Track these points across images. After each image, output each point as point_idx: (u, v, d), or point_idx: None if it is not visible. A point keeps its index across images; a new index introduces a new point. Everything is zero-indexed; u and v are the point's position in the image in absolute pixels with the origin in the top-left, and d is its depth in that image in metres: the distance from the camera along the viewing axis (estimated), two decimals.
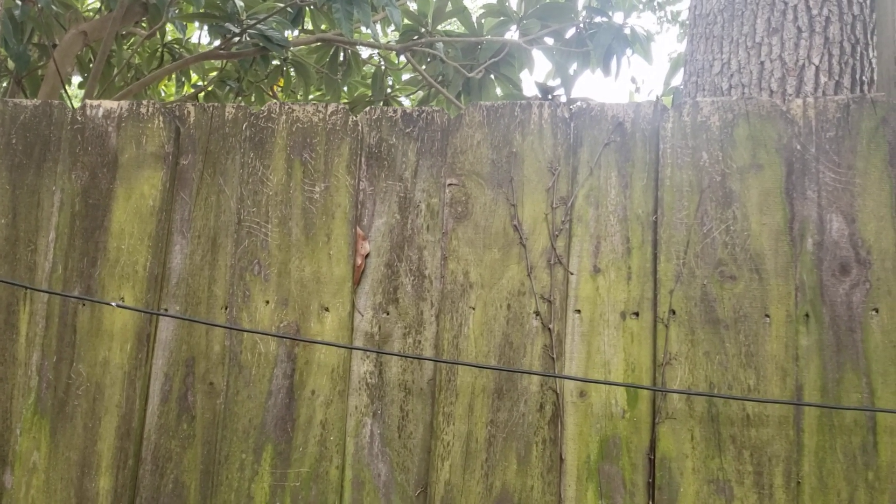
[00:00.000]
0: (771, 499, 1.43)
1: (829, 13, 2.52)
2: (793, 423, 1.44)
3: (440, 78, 4.51)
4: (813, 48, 2.50)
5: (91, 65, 4.49)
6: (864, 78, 2.51)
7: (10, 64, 4.23)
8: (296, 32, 4.66)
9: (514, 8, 4.28)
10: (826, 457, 1.43)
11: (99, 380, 1.64)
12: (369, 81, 4.98)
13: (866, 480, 1.41)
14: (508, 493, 1.51)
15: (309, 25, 4.70)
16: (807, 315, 1.47)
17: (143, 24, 4.60)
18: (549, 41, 4.31)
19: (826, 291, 1.47)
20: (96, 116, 1.74)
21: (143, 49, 4.82)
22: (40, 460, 1.63)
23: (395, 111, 1.67)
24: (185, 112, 1.73)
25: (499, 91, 4.47)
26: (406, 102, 5.27)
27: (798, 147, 1.52)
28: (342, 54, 4.71)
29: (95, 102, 1.75)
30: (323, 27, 4.59)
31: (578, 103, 1.63)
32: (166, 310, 1.66)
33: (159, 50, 4.77)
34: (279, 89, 5.10)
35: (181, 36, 4.58)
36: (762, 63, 2.54)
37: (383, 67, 4.91)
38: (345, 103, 1.64)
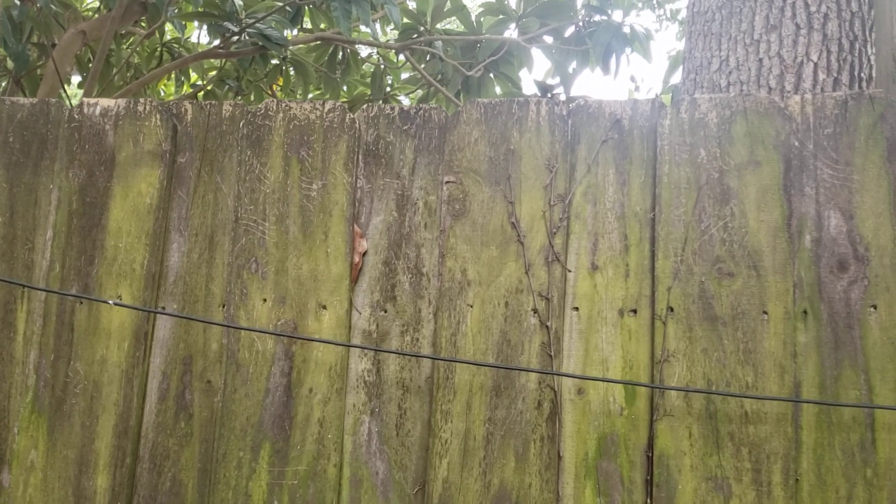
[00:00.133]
0: (769, 496, 1.43)
1: (827, 10, 2.52)
2: (791, 420, 1.44)
3: (439, 76, 4.50)
4: (811, 45, 2.49)
5: (90, 64, 4.49)
6: (862, 75, 2.51)
7: (9, 63, 4.23)
8: (295, 31, 4.66)
9: (513, 6, 4.28)
10: (824, 454, 1.43)
11: (96, 378, 1.64)
12: (368, 80, 4.98)
13: (865, 477, 1.41)
14: (506, 491, 1.50)
15: (308, 24, 4.70)
16: (805, 312, 1.47)
17: (142, 24, 4.60)
18: (549, 39, 4.31)
19: (824, 288, 1.47)
20: (93, 114, 1.73)
21: (142, 48, 4.82)
22: (38, 459, 1.63)
23: (392, 108, 1.67)
24: (183, 110, 1.73)
25: (498, 89, 4.46)
26: (405, 101, 5.26)
27: (796, 144, 1.52)
28: (341, 53, 4.70)
29: (92, 100, 1.74)
30: (322, 26, 4.59)
31: (577, 100, 1.62)
32: (164, 308, 1.66)
33: (158, 49, 4.76)
34: (278, 88, 5.10)
35: (180, 35, 4.58)
36: (760, 60, 2.54)
37: (382, 66, 4.90)
38: (344, 102, 1.63)
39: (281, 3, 3.97)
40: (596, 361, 1.52)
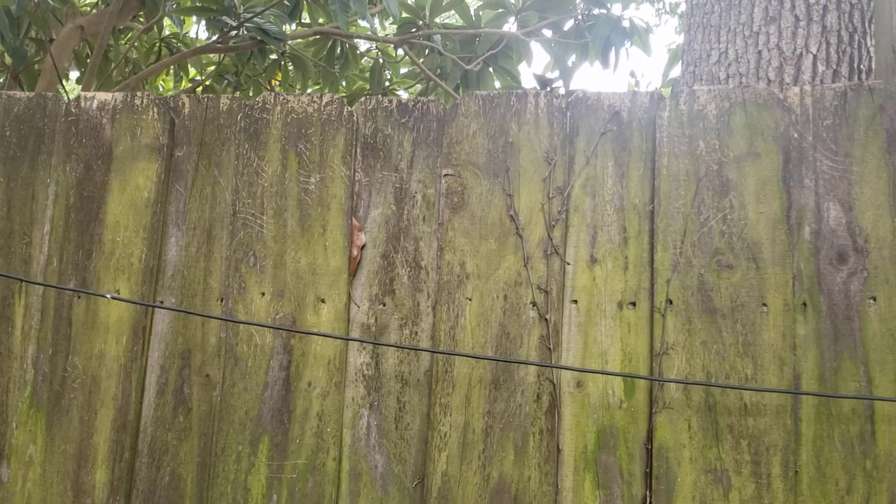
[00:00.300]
0: (769, 488, 1.43)
1: (826, 1, 2.51)
2: (790, 413, 1.44)
3: (438, 71, 4.49)
4: (811, 37, 2.49)
5: (88, 59, 4.48)
6: (861, 66, 2.50)
7: (7, 59, 4.22)
8: (293, 26, 4.64)
9: (512, 0, 4.27)
10: (824, 446, 1.43)
11: (95, 373, 1.63)
12: (367, 75, 4.97)
13: (864, 469, 1.41)
14: (505, 484, 1.50)
15: (306, 19, 4.69)
16: (804, 304, 1.47)
17: (141, 19, 4.59)
18: (548, 33, 4.30)
19: (823, 280, 1.47)
20: (90, 108, 1.73)
21: (140, 43, 4.81)
22: (36, 453, 1.63)
23: (390, 101, 1.66)
24: (180, 104, 1.72)
25: (497, 84, 4.45)
26: (404, 96, 5.25)
27: (795, 135, 1.51)
28: (340, 48, 4.69)
29: (90, 94, 1.74)
30: (320, 20, 4.58)
31: (575, 93, 1.62)
32: (162, 302, 1.65)
33: (157, 44, 4.75)
34: (277, 83, 5.09)
35: (178, 30, 4.57)
36: (760, 52, 2.53)
37: (381, 61, 4.89)
38: (343, 97, 1.63)
39: None
40: (595, 354, 1.52)
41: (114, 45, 4.51)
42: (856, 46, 2.51)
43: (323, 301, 1.60)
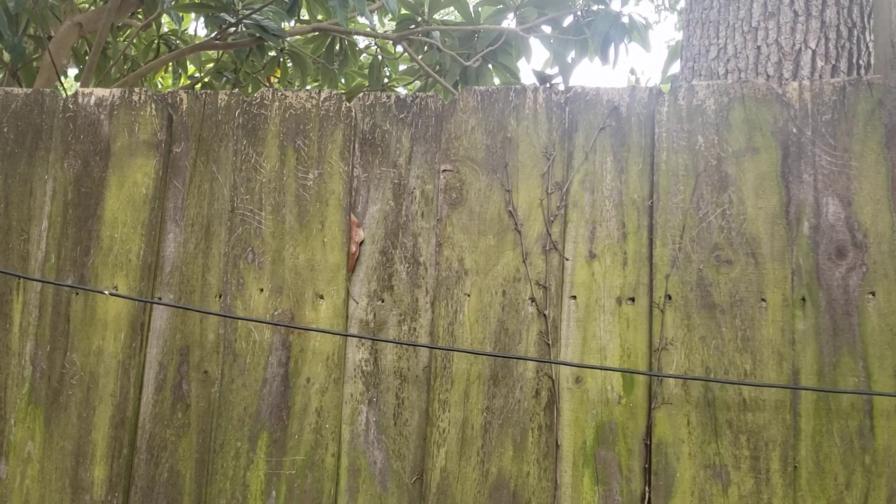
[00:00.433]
0: (768, 483, 1.43)
1: None
2: (789, 408, 1.44)
3: (437, 67, 4.49)
4: (809, 32, 2.48)
5: (86, 56, 4.48)
6: (860, 62, 2.49)
7: (6, 56, 4.22)
8: (292, 22, 4.64)
9: None
10: (823, 441, 1.42)
11: (93, 369, 1.63)
12: (366, 72, 4.96)
13: (863, 464, 1.41)
14: (504, 480, 1.50)
15: (305, 15, 4.68)
16: (803, 299, 1.46)
17: (139, 16, 4.58)
18: (547, 29, 4.29)
19: (822, 275, 1.46)
20: (88, 104, 1.73)
21: (138, 40, 4.80)
22: (35, 450, 1.62)
23: (388, 97, 1.66)
24: (178, 99, 1.72)
25: (496, 80, 4.45)
26: (403, 92, 5.24)
27: (794, 130, 1.51)
28: (339, 44, 4.69)
29: (87, 90, 1.74)
30: (319, 17, 4.57)
31: (574, 88, 1.62)
32: (160, 298, 1.65)
33: (155, 41, 4.75)
34: (276, 80, 5.08)
35: (177, 27, 4.56)
36: (758, 47, 2.53)
37: (380, 57, 4.89)
38: (342, 93, 1.63)
39: None
40: (594, 350, 1.52)
41: (112, 42, 4.50)
42: (855, 42, 2.50)
43: (321, 297, 1.60)
